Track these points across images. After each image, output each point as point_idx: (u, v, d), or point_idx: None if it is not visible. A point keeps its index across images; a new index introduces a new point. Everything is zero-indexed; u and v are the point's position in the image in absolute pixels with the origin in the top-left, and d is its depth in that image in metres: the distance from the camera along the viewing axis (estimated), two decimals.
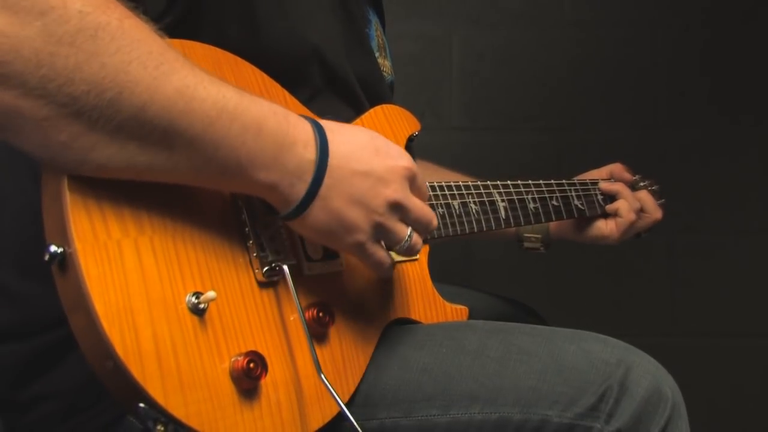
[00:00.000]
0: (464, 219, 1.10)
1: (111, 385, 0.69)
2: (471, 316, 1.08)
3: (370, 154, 0.81)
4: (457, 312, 1.06)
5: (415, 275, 1.02)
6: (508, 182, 1.20)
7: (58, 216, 0.68)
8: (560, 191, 1.30)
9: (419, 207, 0.85)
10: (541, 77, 2.28)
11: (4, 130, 0.65)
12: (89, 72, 0.64)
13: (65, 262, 0.67)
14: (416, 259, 1.02)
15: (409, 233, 0.84)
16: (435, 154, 1.39)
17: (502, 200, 1.18)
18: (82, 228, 0.67)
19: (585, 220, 1.39)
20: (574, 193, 1.33)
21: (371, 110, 1.05)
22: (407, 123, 1.08)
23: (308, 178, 0.76)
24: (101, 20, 0.64)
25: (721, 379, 2.26)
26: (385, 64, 1.19)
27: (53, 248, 0.67)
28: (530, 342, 0.91)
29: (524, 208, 1.22)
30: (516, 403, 0.86)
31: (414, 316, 1.00)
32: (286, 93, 0.92)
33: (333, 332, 0.85)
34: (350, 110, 1.03)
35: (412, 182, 0.84)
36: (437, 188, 1.08)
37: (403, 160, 0.83)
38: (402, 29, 2.18)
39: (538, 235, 1.43)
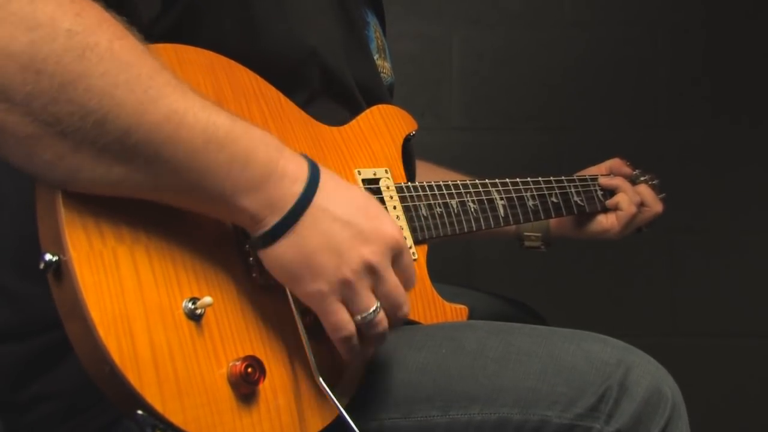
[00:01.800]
0: (462, 218, 1.10)
1: (109, 392, 0.69)
2: (471, 316, 1.08)
3: (359, 210, 0.76)
4: (456, 312, 1.05)
5: None
6: (507, 180, 1.20)
7: (53, 224, 0.68)
8: (559, 188, 1.30)
9: (394, 284, 0.78)
10: (541, 77, 2.28)
11: None
12: (74, 93, 0.63)
13: (60, 271, 0.67)
14: (415, 259, 1.02)
15: (375, 307, 0.77)
16: (435, 154, 1.39)
17: (501, 198, 1.17)
18: (76, 236, 0.67)
19: (585, 217, 1.38)
20: (573, 190, 1.32)
21: (367, 110, 1.05)
22: (404, 123, 1.08)
23: (288, 208, 0.73)
24: (89, 41, 0.64)
25: (721, 379, 2.26)
26: (385, 66, 1.19)
27: (48, 256, 0.67)
28: (530, 342, 0.91)
29: (523, 206, 1.21)
30: (515, 404, 0.86)
31: (413, 317, 1.00)
32: (281, 96, 0.92)
33: None
34: (347, 113, 1.03)
35: (397, 257, 0.78)
36: (435, 187, 1.08)
37: (392, 229, 0.78)
38: (402, 29, 2.18)
39: (539, 234, 1.43)
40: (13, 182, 0.90)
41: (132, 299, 0.68)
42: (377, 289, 0.77)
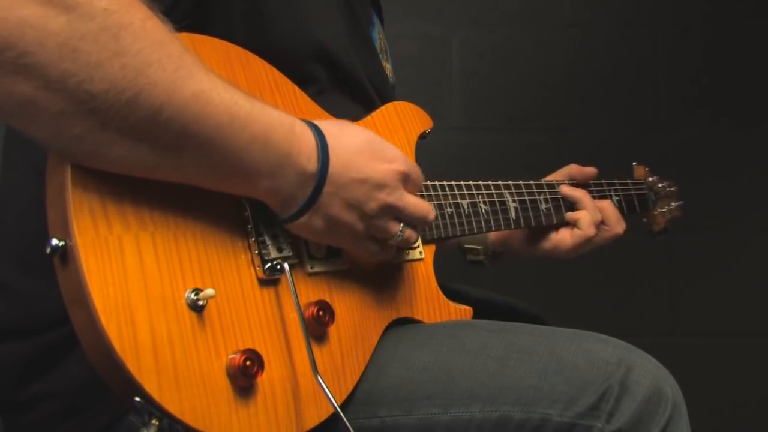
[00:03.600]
0: (473, 219, 1.10)
1: (108, 378, 0.69)
2: (473, 316, 1.07)
3: (367, 159, 0.83)
4: (460, 312, 1.05)
5: (420, 274, 1.01)
6: (520, 182, 1.19)
7: (61, 210, 0.68)
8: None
9: (413, 204, 0.88)
10: (541, 77, 2.28)
11: (19, 119, 0.65)
12: (110, 71, 0.64)
13: (66, 256, 0.68)
14: (422, 259, 1.02)
15: (401, 229, 0.88)
16: (435, 154, 1.39)
17: (513, 201, 1.17)
18: (83, 222, 0.68)
19: (536, 232, 1.26)
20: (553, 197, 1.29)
21: (383, 107, 1.05)
22: (419, 120, 1.08)
23: (308, 189, 0.79)
24: (125, 20, 0.65)
25: (721, 379, 2.26)
26: (387, 67, 1.20)
27: (55, 241, 0.68)
28: (531, 341, 0.91)
29: (536, 208, 1.20)
30: (517, 402, 0.86)
31: (417, 316, 0.99)
32: (296, 88, 0.92)
33: (332, 331, 0.85)
34: (359, 107, 1.03)
35: (406, 181, 0.87)
36: (446, 187, 1.07)
37: (397, 162, 0.86)
38: (402, 29, 2.18)
39: (479, 247, 1.34)
40: (19, 179, 0.90)
41: (135, 287, 0.69)
42: (401, 216, 0.88)
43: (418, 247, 1.01)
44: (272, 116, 0.76)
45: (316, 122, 0.82)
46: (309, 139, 0.79)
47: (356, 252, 0.89)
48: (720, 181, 2.27)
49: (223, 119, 0.71)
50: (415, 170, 0.89)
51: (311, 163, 0.79)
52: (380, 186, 0.84)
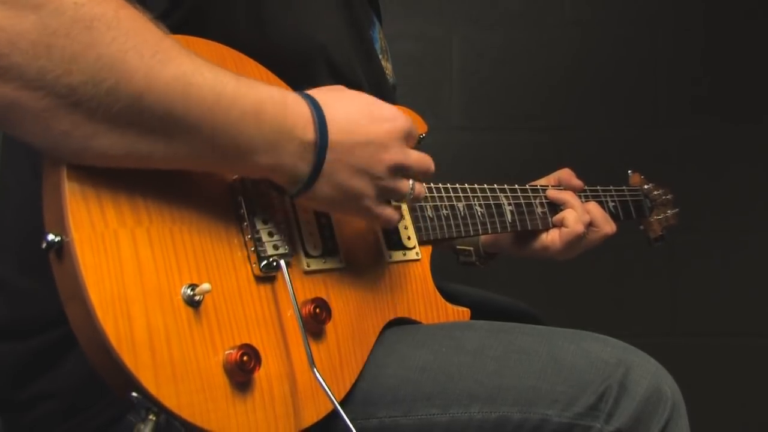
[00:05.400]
0: (469, 221, 1.10)
1: (105, 373, 0.69)
2: (471, 317, 1.08)
3: (367, 122, 0.83)
4: (458, 314, 1.05)
5: (417, 275, 1.01)
6: (516, 186, 1.19)
7: (57, 205, 0.69)
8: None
9: (417, 160, 0.88)
10: (541, 77, 2.28)
11: (5, 122, 0.66)
12: (86, 62, 0.64)
13: (62, 251, 0.68)
14: (418, 260, 1.02)
15: (411, 186, 0.88)
16: (435, 154, 1.38)
17: (509, 204, 1.17)
18: (79, 217, 0.68)
19: (526, 232, 1.25)
20: (583, 200, 1.29)
21: None
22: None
23: (311, 158, 0.78)
24: (96, 11, 0.65)
25: (721, 379, 2.26)
26: (388, 67, 1.20)
27: (51, 237, 0.68)
28: (530, 341, 0.91)
29: (532, 212, 1.21)
30: (515, 403, 0.86)
31: (414, 316, 0.99)
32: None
33: (330, 329, 0.85)
34: None
35: (408, 137, 0.87)
36: (442, 189, 1.08)
37: (398, 121, 0.85)
38: (402, 29, 2.19)
39: (470, 248, 1.33)
40: (17, 178, 0.90)
41: (131, 282, 0.69)
42: (408, 173, 0.87)
43: (414, 247, 1.02)
44: (261, 91, 0.75)
45: (310, 92, 0.81)
46: (303, 109, 0.78)
47: (371, 222, 0.89)
48: (720, 180, 2.27)
49: (208, 98, 0.71)
50: (414, 125, 0.89)
51: (308, 133, 0.78)
52: (384, 147, 0.83)
